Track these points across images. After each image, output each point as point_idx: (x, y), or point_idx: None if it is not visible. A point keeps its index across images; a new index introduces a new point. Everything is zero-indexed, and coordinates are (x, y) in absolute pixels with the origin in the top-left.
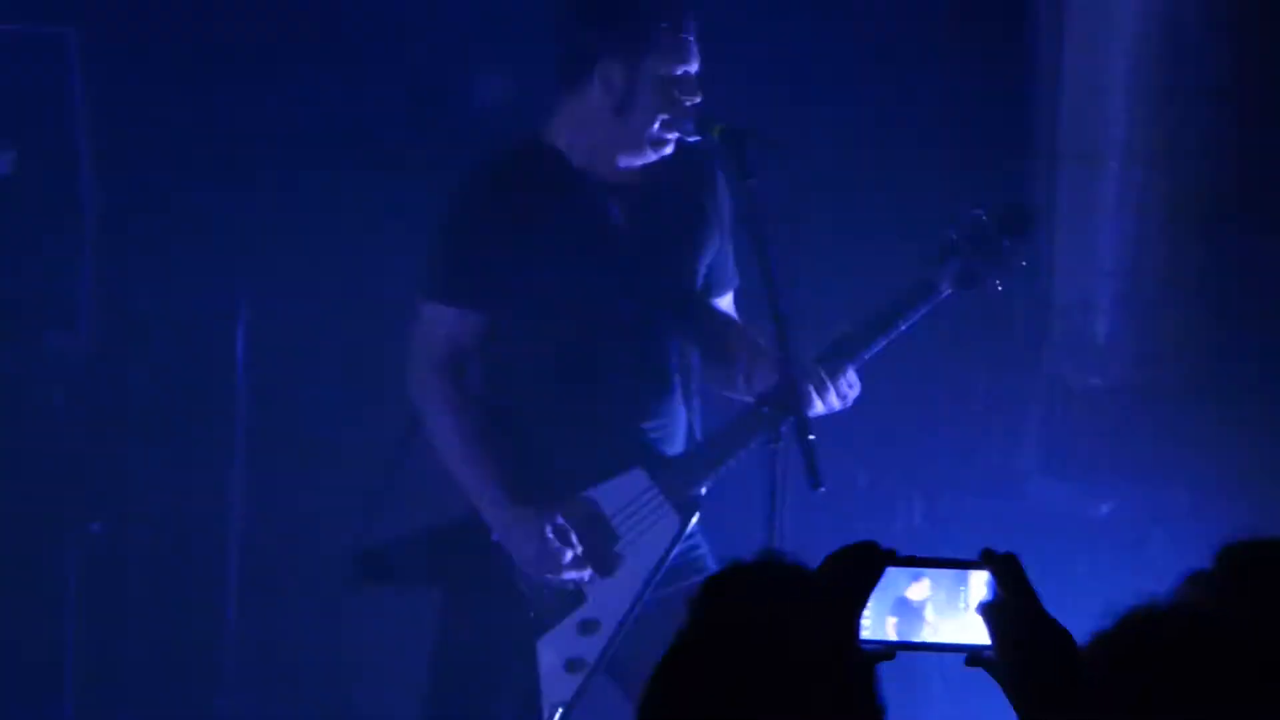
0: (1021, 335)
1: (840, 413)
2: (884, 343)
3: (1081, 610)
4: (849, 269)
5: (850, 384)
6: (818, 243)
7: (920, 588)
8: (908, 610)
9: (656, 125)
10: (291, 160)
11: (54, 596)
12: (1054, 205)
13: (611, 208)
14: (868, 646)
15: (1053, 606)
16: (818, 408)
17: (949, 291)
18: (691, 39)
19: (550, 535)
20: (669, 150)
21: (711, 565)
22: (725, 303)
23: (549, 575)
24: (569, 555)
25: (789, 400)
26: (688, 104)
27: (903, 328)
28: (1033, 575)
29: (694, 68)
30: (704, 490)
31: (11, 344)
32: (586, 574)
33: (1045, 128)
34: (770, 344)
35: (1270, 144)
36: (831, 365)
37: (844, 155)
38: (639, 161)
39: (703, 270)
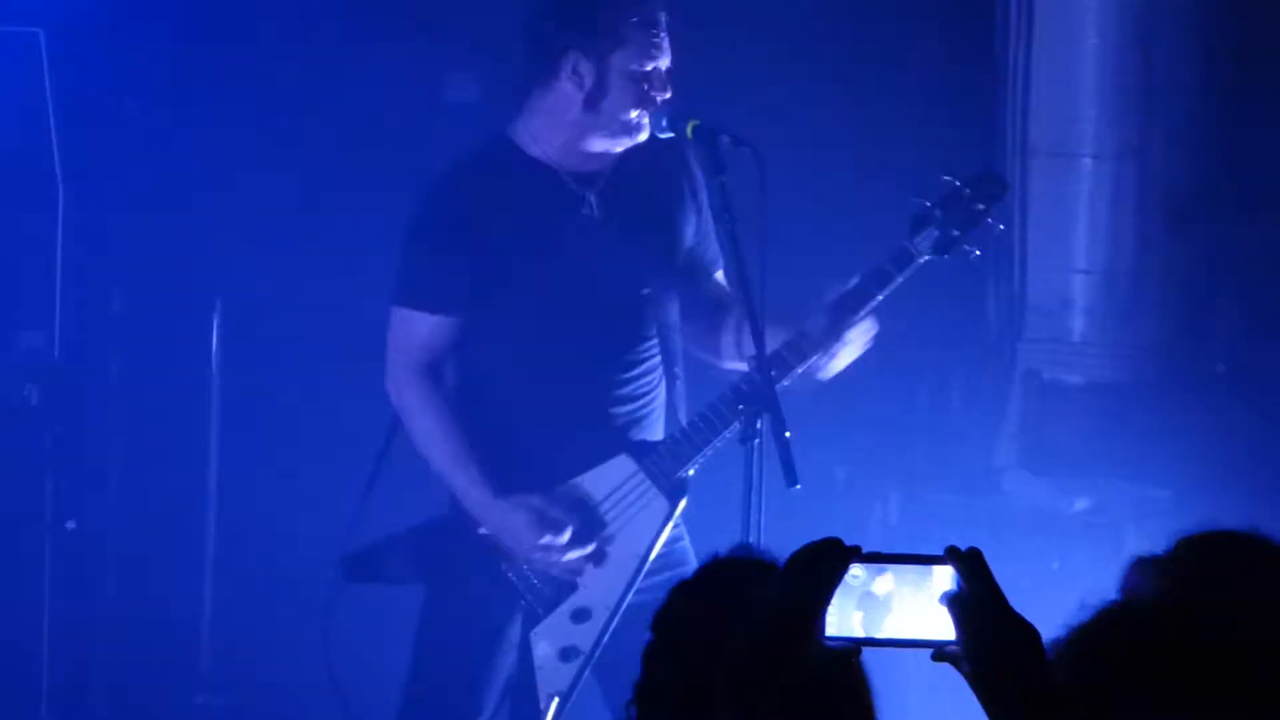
0: (997, 332)
1: (816, 408)
2: (862, 314)
3: (1057, 606)
4: (821, 266)
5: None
6: (789, 239)
7: (886, 583)
8: (873, 606)
9: (627, 118)
10: (265, 157)
11: (29, 595)
12: (1026, 202)
13: (584, 199)
14: (832, 643)
15: (1028, 602)
16: (839, 361)
17: (927, 257)
18: (662, 34)
19: (540, 525)
20: (641, 138)
21: (692, 558)
22: (714, 280)
23: (550, 561)
24: (565, 538)
25: (765, 397)
26: (658, 99)
27: (880, 297)
28: (1008, 571)
29: (665, 62)
30: (690, 473)
31: None
32: (586, 553)
33: (1016, 124)
34: (746, 339)
35: (1240, 138)
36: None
37: (815, 153)
38: (610, 152)
39: (682, 252)
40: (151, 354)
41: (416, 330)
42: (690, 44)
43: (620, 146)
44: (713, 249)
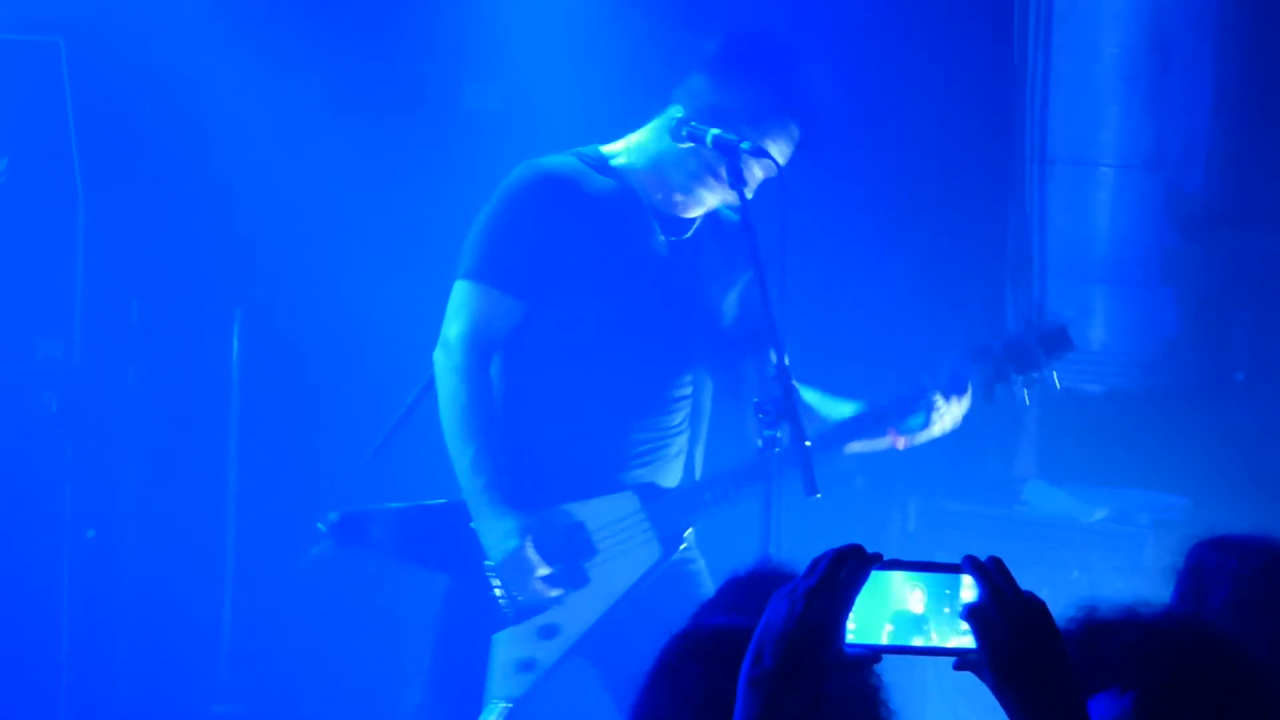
0: None
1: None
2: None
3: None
4: (841, 275)
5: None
6: (809, 249)
7: (918, 600)
8: (897, 616)
9: (722, 191)
10: (284, 166)
11: (49, 602)
12: (1045, 210)
13: (659, 233)
14: (853, 651)
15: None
16: (938, 427)
17: (973, 388)
18: (791, 147)
19: (524, 552)
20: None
21: (707, 583)
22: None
23: (514, 588)
24: (537, 574)
25: (785, 406)
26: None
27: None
28: (1028, 579)
29: (774, 171)
30: (691, 530)
31: (4, 351)
32: (553, 594)
33: (1035, 133)
34: (767, 351)
35: (1259, 147)
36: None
37: (834, 162)
38: (687, 203)
39: (731, 315)
40: (170, 362)
41: (480, 304)
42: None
43: (703, 207)
44: (756, 332)
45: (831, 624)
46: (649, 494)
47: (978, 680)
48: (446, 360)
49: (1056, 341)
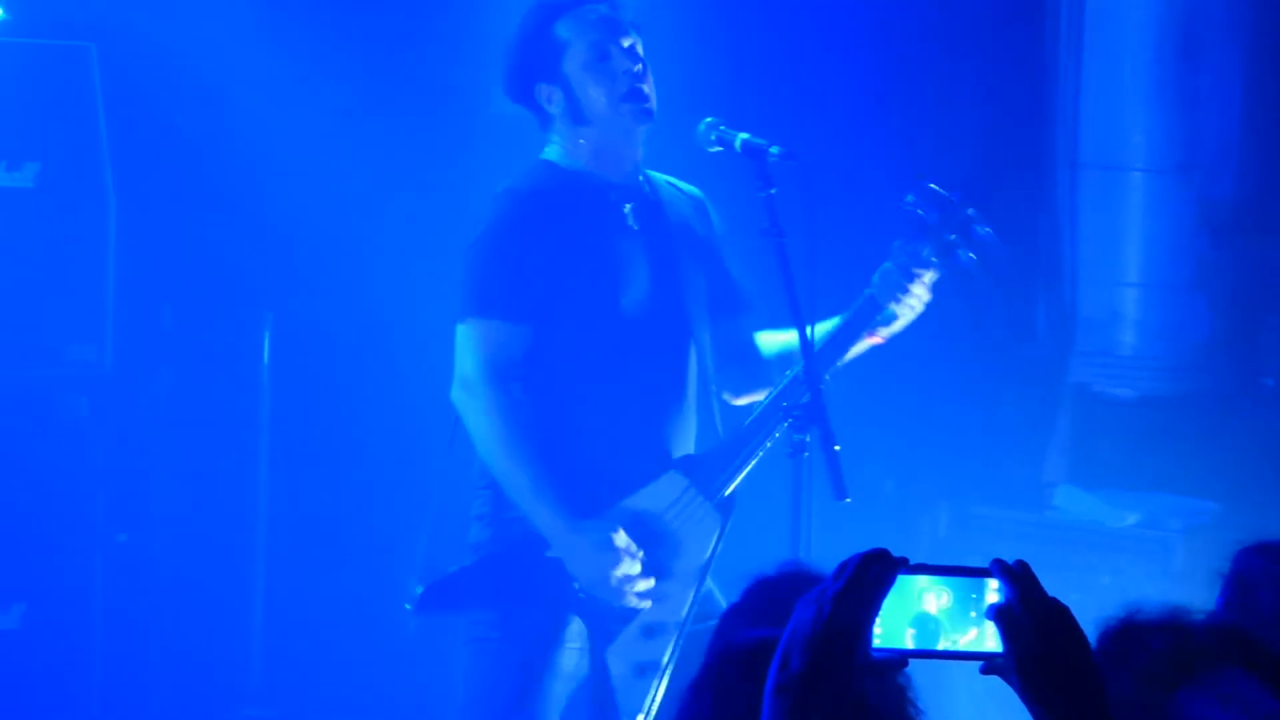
0: (1048, 345)
1: (865, 421)
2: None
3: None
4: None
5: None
6: (838, 253)
7: (941, 600)
8: (923, 619)
9: (608, 104)
10: (313, 169)
11: (81, 607)
12: (1076, 216)
13: (625, 213)
14: (880, 655)
15: (1077, 616)
16: (906, 310)
17: (933, 260)
18: (600, 19)
19: (618, 556)
20: (647, 107)
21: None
22: (740, 327)
23: (614, 597)
24: (633, 574)
25: (814, 410)
26: (626, 71)
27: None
28: (1057, 585)
29: (623, 42)
30: (736, 485)
31: (36, 356)
32: (650, 586)
33: (1066, 137)
34: (794, 354)
35: None
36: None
37: (864, 166)
38: (629, 152)
39: (705, 283)
40: (202, 366)
41: (491, 339)
42: (736, 57)
43: (634, 131)
44: (739, 290)
45: (858, 628)
46: (690, 466)
47: (1004, 684)
48: (471, 400)
49: (972, 190)
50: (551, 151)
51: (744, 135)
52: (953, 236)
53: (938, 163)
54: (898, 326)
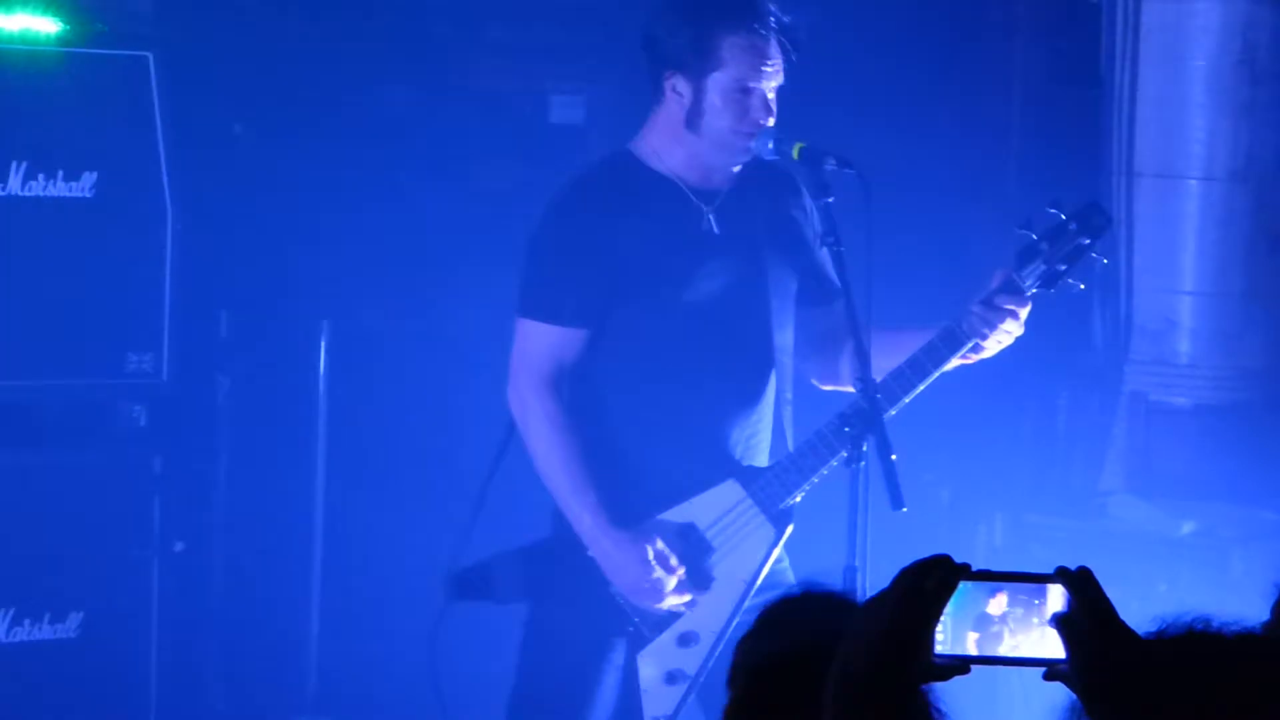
0: (1104, 353)
1: (921, 431)
2: (964, 351)
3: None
4: (928, 288)
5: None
6: (894, 264)
7: (998, 602)
8: (986, 625)
9: (726, 136)
10: (371, 179)
11: (138, 616)
12: (1132, 223)
13: (704, 216)
14: (942, 660)
15: (1134, 626)
16: (995, 338)
17: (1034, 291)
18: (767, 59)
19: (650, 564)
20: (745, 157)
21: (793, 580)
22: (834, 310)
23: (648, 604)
24: (669, 584)
25: (871, 419)
26: (760, 121)
27: (986, 332)
28: (1114, 594)
29: (769, 85)
30: (797, 500)
31: (94, 366)
32: (685, 600)
33: (1122, 146)
34: (852, 362)
35: None
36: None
37: (919, 175)
38: (724, 169)
39: (797, 276)
40: (259, 376)
41: (544, 342)
42: (791, 66)
43: (730, 165)
44: (832, 275)
45: (921, 633)
46: (748, 477)
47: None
48: (519, 400)
49: (1090, 218)
50: (642, 144)
51: (801, 143)
52: (1063, 266)
53: (992, 173)
54: (986, 355)
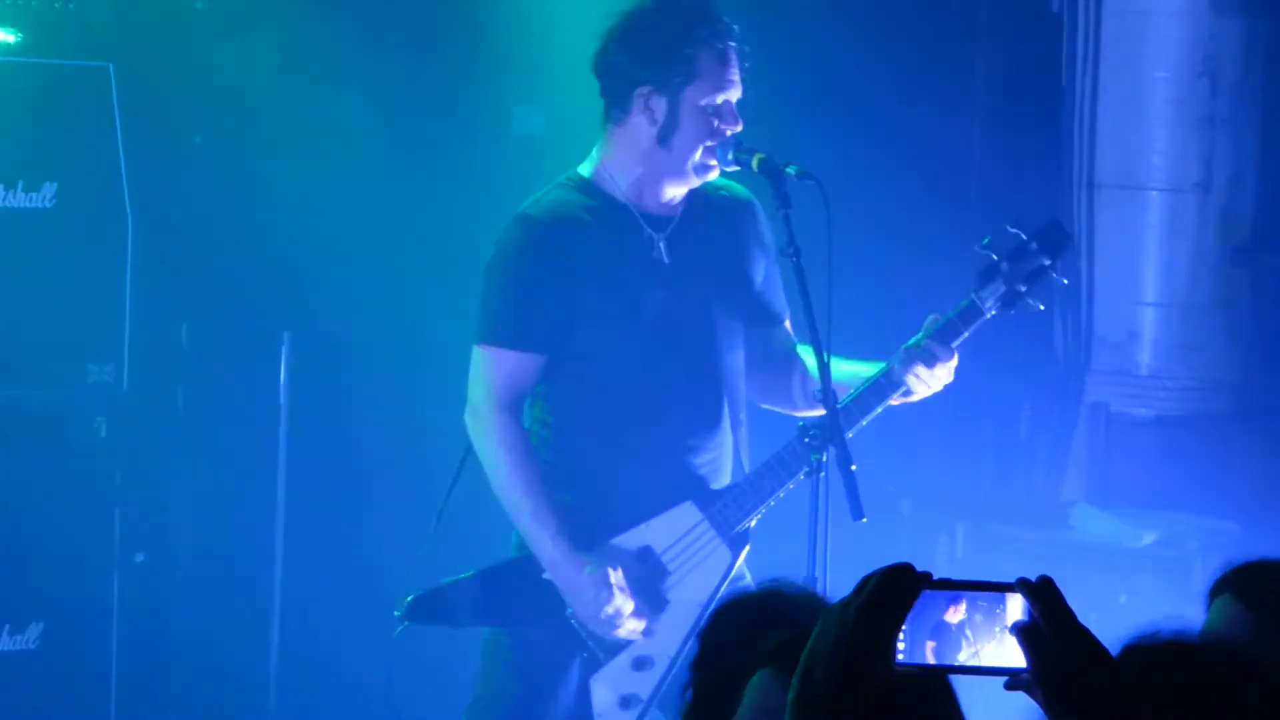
0: (1065, 364)
1: (882, 441)
2: (931, 367)
3: (1123, 641)
4: (888, 300)
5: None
6: (856, 274)
7: (958, 611)
8: (945, 633)
9: (699, 153)
10: (330, 190)
11: (98, 627)
12: (1093, 234)
13: (655, 244)
14: (903, 669)
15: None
16: (925, 386)
17: (994, 313)
18: (733, 68)
19: (610, 591)
20: (712, 176)
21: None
22: (780, 332)
23: (605, 630)
24: (624, 612)
25: (831, 430)
26: (728, 131)
27: (948, 349)
28: (1074, 604)
29: (735, 95)
30: (753, 523)
31: (54, 376)
32: (640, 627)
33: (1083, 157)
34: (807, 376)
35: None
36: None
37: (879, 185)
38: (682, 189)
39: (748, 299)
40: (219, 386)
41: (501, 368)
42: (753, 77)
43: (691, 184)
44: (780, 297)
45: (882, 642)
46: (706, 499)
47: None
48: (478, 425)
49: (1051, 238)
50: (596, 169)
51: (761, 154)
52: (1024, 287)
53: (953, 183)
54: (914, 399)
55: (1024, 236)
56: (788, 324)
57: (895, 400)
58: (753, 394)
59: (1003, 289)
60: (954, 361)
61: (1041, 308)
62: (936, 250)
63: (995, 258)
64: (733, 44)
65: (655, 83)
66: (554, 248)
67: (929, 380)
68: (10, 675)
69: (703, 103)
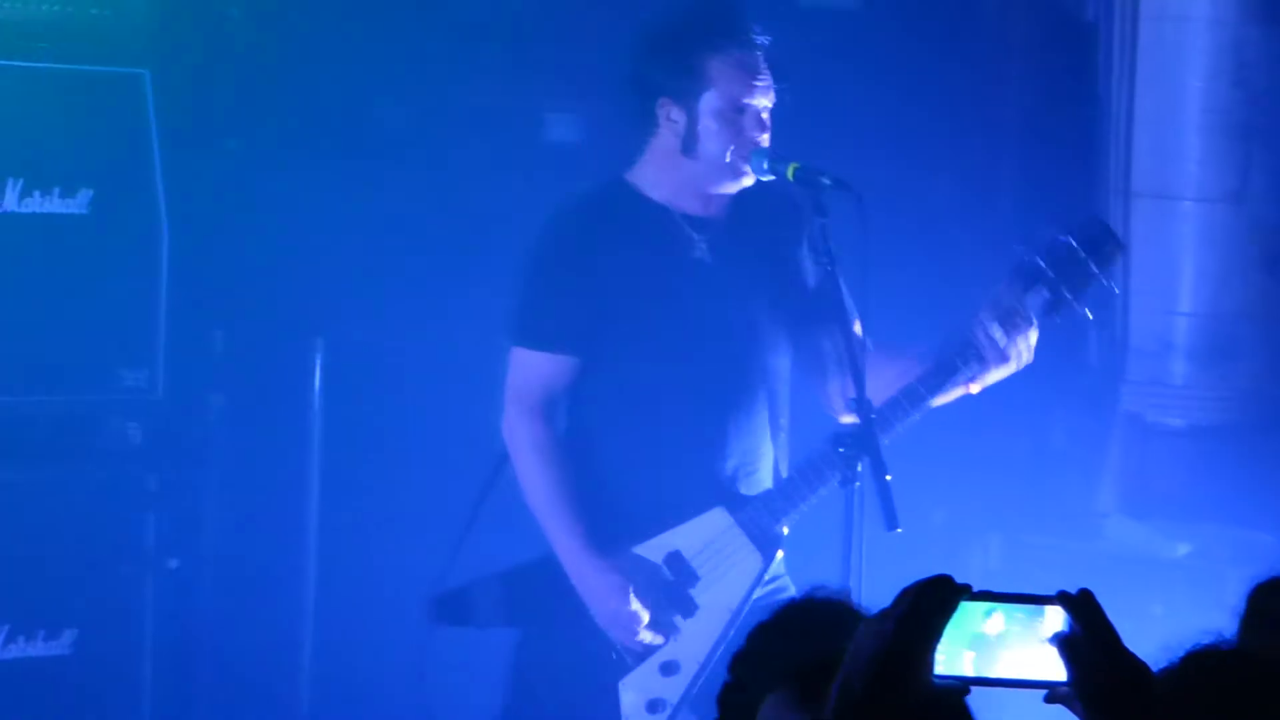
0: (1099, 375)
1: (916, 451)
2: (961, 379)
3: (1159, 651)
4: (924, 309)
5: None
6: (890, 283)
7: (996, 623)
8: (984, 645)
9: (726, 160)
10: (366, 196)
11: (132, 633)
12: (1128, 245)
13: (696, 244)
14: (941, 681)
15: (1130, 647)
16: (1012, 365)
17: (1037, 320)
18: (756, 75)
19: (628, 599)
20: (746, 182)
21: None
22: (829, 331)
23: (623, 639)
24: (643, 621)
25: (865, 440)
26: (755, 139)
27: (986, 363)
28: (1109, 616)
29: (762, 102)
30: (786, 528)
31: (88, 381)
32: (658, 639)
33: (1118, 167)
34: (848, 383)
35: None
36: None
37: (915, 195)
38: (720, 195)
39: (794, 300)
40: (254, 392)
41: (536, 370)
42: (787, 88)
43: (727, 189)
44: (821, 304)
45: (921, 654)
46: (736, 504)
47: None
48: (510, 428)
49: (1102, 244)
50: (637, 173)
51: (796, 164)
52: (1071, 295)
53: (988, 192)
54: (991, 380)
55: (1074, 242)
56: (857, 326)
57: (954, 394)
58: (820, 398)
59: (1047, 295)
60: (1035, 332)
61: (1090, 316)
62: (972, 260)
63: (1041, 263)
64: (755, 50)
65: (672, 94)
66: (588, 249)
67: (1007, 348)
68: (44, 681)
69: (722, 111)
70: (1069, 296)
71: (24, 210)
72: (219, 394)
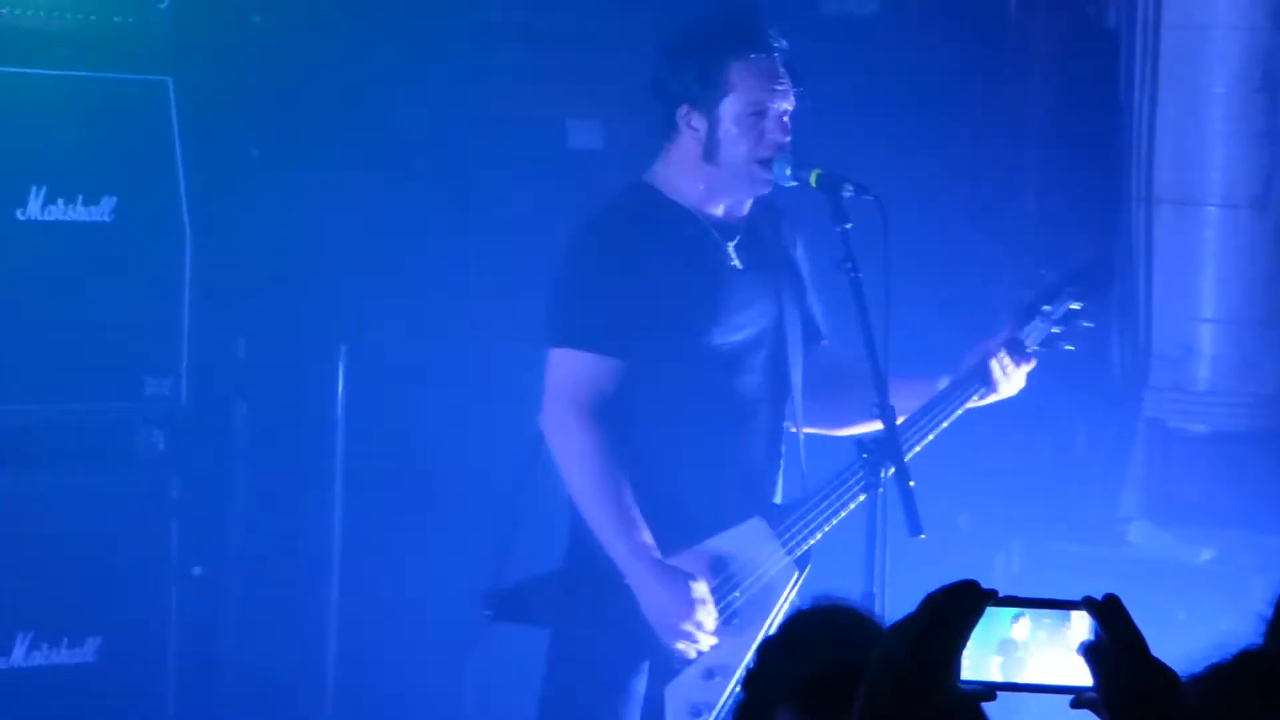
0: (1122, 380)
1: (939, 456)
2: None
3: (1182, 657)
4: (944, 317)
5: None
6: (912, 290)
7: (1023, 628)
8: (1011, 651)
9: (748, 165)
10: (389, 204)
11: (156, 640)
12: (1151, 250)
13: (726, 250)
14: (968, 686)
15: (1153, 653)
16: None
17: (1035, 349)
18: (775, 80)
19: (693, 607)
20: (765, 188)
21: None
22: (822, 351)
23: (683, 645)
24: (706, 627)
25: (889, 446)
26: (776, 139)
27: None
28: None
29: (781, 106)
30: (816, 540)
31: (112, 389)
32: (714, 643)
33: (1141, 172)
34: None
35: None
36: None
37: (936, 202)
38: (740, 201)
39: (802, 317)
40: (277, 400)
41: (584, 371)
42: (806, 92)
43: (749, 195)
44: (820, 318)
45: (947, 659)
46: (773, 515)
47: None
48: (557, 432)
49: (1081, 282)
50: (657, 175)
51: (819, 170)
52: (1057, 330)
53: (1010, 199)
54: (988, 401)
55: (1060, 280)
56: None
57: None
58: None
59: (1040, 327)
60: (1030, 365)
61: (1070, 348)
62: (993, 268)
63: (1045, 307)
64: (773, 54)
65: (692, 100)
66: (629, 252)
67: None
68: (68, 688)
69: (742, 115)
70: (1055, 331)
71: (47, 218)
72: (243, 401)
